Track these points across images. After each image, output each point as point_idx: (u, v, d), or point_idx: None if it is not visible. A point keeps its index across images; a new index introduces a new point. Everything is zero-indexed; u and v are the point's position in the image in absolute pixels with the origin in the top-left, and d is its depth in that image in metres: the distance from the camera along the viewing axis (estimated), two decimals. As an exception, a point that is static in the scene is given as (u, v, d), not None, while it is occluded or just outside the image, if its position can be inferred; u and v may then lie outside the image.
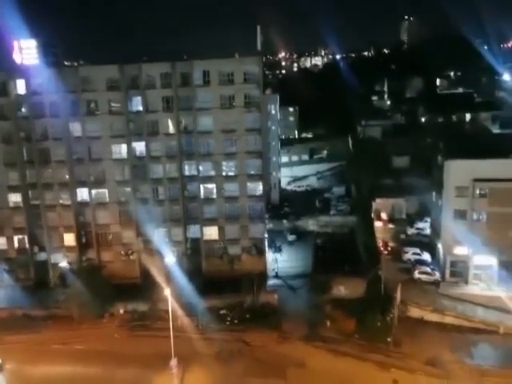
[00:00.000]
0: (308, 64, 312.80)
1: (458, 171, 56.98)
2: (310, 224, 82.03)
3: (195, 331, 52.46)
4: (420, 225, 73.42)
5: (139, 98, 62.87)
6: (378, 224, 75.48)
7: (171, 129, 63.89)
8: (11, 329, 54.76)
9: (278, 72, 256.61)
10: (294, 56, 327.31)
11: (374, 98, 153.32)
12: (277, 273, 66.23)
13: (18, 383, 47.08)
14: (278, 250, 69.78)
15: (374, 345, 48.86)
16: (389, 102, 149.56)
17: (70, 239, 66.25)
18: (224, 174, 64.80)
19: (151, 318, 54.86)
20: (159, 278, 55.84)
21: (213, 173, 64.60)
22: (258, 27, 68.37)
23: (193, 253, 65.76)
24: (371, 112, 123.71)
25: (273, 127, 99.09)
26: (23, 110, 64.80)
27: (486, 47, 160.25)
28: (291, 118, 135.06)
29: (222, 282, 58.31)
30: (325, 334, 51.78)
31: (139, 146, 64.41)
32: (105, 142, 64.11)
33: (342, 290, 58.53)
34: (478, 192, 56.39)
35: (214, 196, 65.21)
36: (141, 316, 56.09)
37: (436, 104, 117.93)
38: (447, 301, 54.67)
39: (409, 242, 69.27)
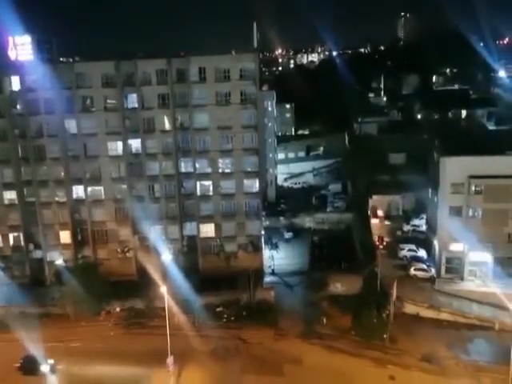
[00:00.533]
0: (304, 61, 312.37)
1: (454, 168, 57.12)
2: (307, 221, 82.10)
3: (192, 329, 52.50)
4: (416, 221, 73.59)
5: (135, 95, 62.54)
6: (374, 221, 75.62)
7: (167, 126, 63.61)
8: (7, 327, 54.57)
9: (274, 69, 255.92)
10: (291, 53, 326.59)
11: (371, 94, 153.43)
12: (273, 270, 66.33)
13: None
14: (275, 247, 69.72)
15: (370, 341, 49.08)
16: (385, 99, 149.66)
17: (65, 237, 65.91)
18: (220, 171, 64.62)
19: (147, 315, 54.81)
20: (155, 276, 55.72)
21: (209, 170, 64.41)
22: (255, 24, 68.06)
23: (189, 250, 65.61)
24: (367, 109, 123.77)
25: (269, 124, 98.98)
26: (18, 106, 64.33)
27: (481, 44, 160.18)
28: (288, 115, 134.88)
29: (219, 279, 58.32)
30: (321, 330, 52.05)
31: (135, 143, 64.08)
32: (100, 138, 63.73)
33: (339, 286, 58.73)
34: (473, 189, 56.51)
35: (211, 193, 65.03)
36: (137, 314, 56.02)
37: (432, 101, 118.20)
38: (443, 297, 54.92)
39: (405, 238, 69.52)
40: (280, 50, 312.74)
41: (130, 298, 57.18)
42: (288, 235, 76.73)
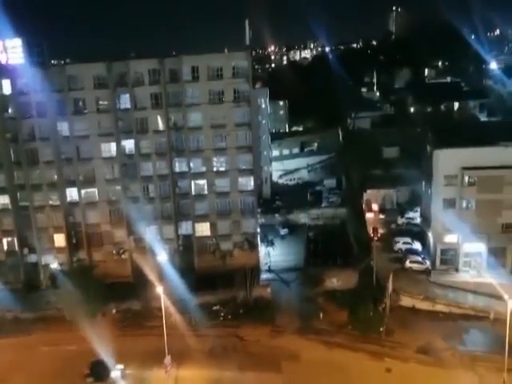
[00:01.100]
0: (297, 57, 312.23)
1: (447, 160, 57.45)
2: (302, 217, 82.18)
3: (189, 328, 52.51)
4: (410, 214, 73.92)
5: (127, 96, 62.26)
6: (369, 215, 75.86)
7: (161, 125, 63.40)
8: (1, 332, 54.64)
9: (267, 66, 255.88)
10: (283, 49, 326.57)
11: (363, 89, 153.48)
12: (269, 267, 66.43)
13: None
14: (271, 244, 69.93)
15: (366, 335, 49.35)
16: (378, 94, 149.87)
17: (60, 240, 65.59)
18: (215, 169, 64.52)
19: (144, 316, 54.76)
20: (151, 276, 55.69)
21: (204, 169, 64.31)
22: (247, 21, 68.11)
23: (185, 249, 65.57)
24: (360, 104, 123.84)
25: (263, 121, 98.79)
26: (9, 110, 64.04)
27: (473, 36, 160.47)
28: (281, 112, 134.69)
29: (215, 277, 58.58)
30: (318, 326, 52.23)
31: (128, 144, 63.84)
32: (93, 140, 63.48)
33: (335, 281, 58.97)
34: (466, 180, 56.89)
35: (206, 192, 64.95)
36: (134, 315, 56.00)
37: (424, 94, 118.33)
38: (438, 289, 55.31)
39: (400, 231, 69.79)
40: (273, 47, 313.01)
41: (126, 299, 57.11)
42: (283, 232, 76.78)
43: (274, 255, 68.19)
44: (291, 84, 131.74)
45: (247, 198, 65.17)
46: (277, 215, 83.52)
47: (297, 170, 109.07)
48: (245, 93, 61.98)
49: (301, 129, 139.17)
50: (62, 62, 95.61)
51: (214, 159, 64.18)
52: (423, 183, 66.95)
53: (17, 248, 66.00)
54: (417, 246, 64.85)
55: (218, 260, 63.49)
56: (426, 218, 65.66)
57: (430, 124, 73.95)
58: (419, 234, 66.95)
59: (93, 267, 63.38)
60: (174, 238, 65.66)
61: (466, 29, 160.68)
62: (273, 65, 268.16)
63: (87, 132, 63.38)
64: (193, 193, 64.81)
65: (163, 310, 46.21)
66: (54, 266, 64.82)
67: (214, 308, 55.93)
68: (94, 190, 64.99)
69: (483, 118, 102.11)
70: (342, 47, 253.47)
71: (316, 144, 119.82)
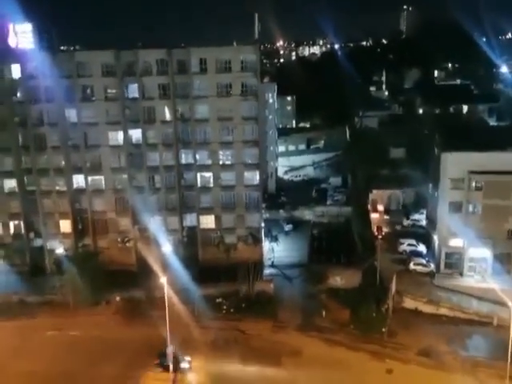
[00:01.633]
0: (306, 53, 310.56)
1: (455, 163, 57.12)
2: (307, 214, 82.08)
3: (191, 319, 52.48)
4: (416, 216, 73.68)
5: (135, 85, 62.04)
6: (374, 215, 75.67)
7: (168, 116, 63.22)
8: (6, 314, 54.82)
9: (275, 61, 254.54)
10: (292, 45, 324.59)
11: (372, 88, 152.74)
12: (273, 262, 66.43)
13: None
14: (275, 239, 69.72)
15: (368, 335, 49.26)
16: (386, 93, 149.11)
17: (66, 226, 65.83)
18: (221, 162, 64.36)
19: (147, 305, 54.77)
20: (155, 266, 55.68)
21: (209, 161, 64.15)
22: (256, 15, 67.51)
23: (189, 241, 65.57)
24: (369, 102, 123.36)
25: (270, 116, 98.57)
26: (18, 94, 63.88)
27: (484, 39, 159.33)
28: (289, 108, 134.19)
29: (218, 270, 58.39)
30: (320, 323, 52.16)
31: (135, 133, 63.72)
32: (101, 128, 63.36)
33: (338, 280, 58.89)
34: (473, 184, 56.59)
35: (211, 185, 64.82)
36: (137, 303, 56.04)
37: (434, 95, 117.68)
38: (442, 292, 55.14)
39: (404, 233, 69.62)
40: (281, 42, 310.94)
41: (129, 287, 57.17)
42: (288, 228, 76.74)
43: (277, 251, 68.09)
44: (299, 80, 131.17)
45: (252, 193, 65.03)
46: (281, 211, 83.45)
47: (302, 166, 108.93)
48: (252, 87, 61.70)
49: (308, 125, 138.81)
50: (71, 48, 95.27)
51: (220, 152, 64.00)
52: (430, 185, 66.70)
53: (23, 232, 66.30)
54: (421, 248, 64.61)
55: (222, 253, 63.42)
56: (431, 221, 65.43)
57: (439, 126, 73.51)
58: (424, 236, 66.73)
59: (97, 254, 63.52)
60: (179, 229, 65.64)
61: (478, 32, 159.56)
62: (281, 60, 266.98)
63: (95, 119, 63.30)
64: (198, 185, 64.69)
65: (166, 300, 46.17)
66: (60, 251, 64.96)
67: (217, 300, 55.91)
68: (100, 178, 65.00)
69: (492, 122, 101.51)
70: (352, 45, 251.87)
71: (323, 141, 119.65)
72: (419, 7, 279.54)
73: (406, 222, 73.11)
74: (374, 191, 78.87)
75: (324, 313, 53.50)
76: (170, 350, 44.82)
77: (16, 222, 66.25)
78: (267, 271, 64.25)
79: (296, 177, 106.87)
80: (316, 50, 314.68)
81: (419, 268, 59.72)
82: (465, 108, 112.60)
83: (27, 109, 63.01)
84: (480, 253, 56.95)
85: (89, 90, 62.99)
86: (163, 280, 46.70)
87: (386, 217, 75.58)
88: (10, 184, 65.30)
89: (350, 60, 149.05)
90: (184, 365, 45.88)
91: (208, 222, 65.72)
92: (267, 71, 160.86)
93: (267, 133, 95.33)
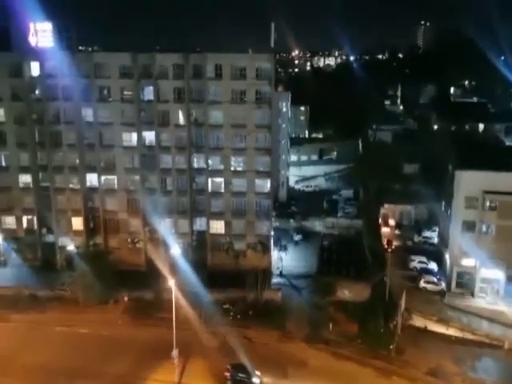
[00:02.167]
0: (321, 64, 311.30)
1: (469, 182, 56.46)
2: (317, 225, 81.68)
3: (198, 323, 52.18)
4: (427, 233, 72.95)
5: (151, 88, 62.53)
6: (385, 229, 75.03)
7: (182, 120, 63.54)
8: (17, 307, 55.18)
9: (290, 70, 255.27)
10: (308, 55, 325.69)
11: (387, 101, 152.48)
12: (281, 271, 65.95)
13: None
14: (284, 248, 69.50)
15: (376, 351, 48.55)
16: (401, 107, 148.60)
17: (78, 223, 66.34)
18: (232, 168, 64.49)
19: (155, 306, 54.65)
20: (164, 268, 55.62)
21: (221, 167, 64.29)
22: (272, 24, 67.79)
23: (198, 245, 65.56)
24: (383, 116, 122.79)
25: (283, 125, 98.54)
26: (36, 92, 64.55)
27: (502, 58, 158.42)
28: (302, 117, 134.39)
29: (226, 276, 58.11)
30: (327, 336, 51.53)
31: (149, 136, 64.10)
32: (116, 128, 63.89)
33: (346, 293, 58.30)
34: (487, 204, 55.83)
35: (222, 190, 64.88)
36: (145, 304, 55.93)
37: (449, 112, 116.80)
38: (452, 312, 54.34)
39: (415, 249, 68.94)
40: (297, 52, 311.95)
41: (138, 288, 57.16)
42: (297, 237, 76.27)
43: (286, 260, 67.69)
44: (314, 90, 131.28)
45: (263, 200, 64.95)
46: (292, 220, 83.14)
47: (314, 177, 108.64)
48: (267, 95, 61.89)
49: (320, 136, 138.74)
50: (90, 49, 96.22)
51: (233, 158, 64.13)
52: (443, 203, 65.89)
53: (36, 227, 66.89)
54: (432, 266, 63.86)
55: (231, 259, 63.25)
56: (443, 239, 64.66)
57: (454, 143, 72.85)
58: (435, 254, 65.99)
59: (108, 253, 63.75)
60: (189, 232, 65.71)
61: (496, 50, 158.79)
62: (296, 69, 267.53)
63: (110, 120, 63.87)
64: (209, 190, 64.76)
65: (174, 303, 45.94)
66: (71, 248, 65.50)
67: (224, 306, 55.53)
68: (113, 178, 65.42)
69: (508, 142, 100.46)
70: (367, 57, 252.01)
71: (335, 153, 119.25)
72: (437, 23, 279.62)
73: (417, 239, 72.45)
74: (386, 205, 78.30)
75: (331, 325, 52.86)
76: (175, 352, 44.47)
77: (29, 217, 66.91)
78: (275, 280, 63.82)
79: (307, 187, 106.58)
80: (331, 61, 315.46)
81: (429, 286, 58.99)
82: (481, 126, 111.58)
83: (45, 106, 63.68)
84: (492, 274, 56.11)
85: (105, 91, 63.59)
86: (171, 282, 46.52)
87: (397, 232, 74.89)
88: (26, 179, 65.96)
89: (365, 72, 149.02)
90: (255, 380, 44.46)
91: (218, 227, 65.69)
92: (281, 80, 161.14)
93: (280, 141, 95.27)
